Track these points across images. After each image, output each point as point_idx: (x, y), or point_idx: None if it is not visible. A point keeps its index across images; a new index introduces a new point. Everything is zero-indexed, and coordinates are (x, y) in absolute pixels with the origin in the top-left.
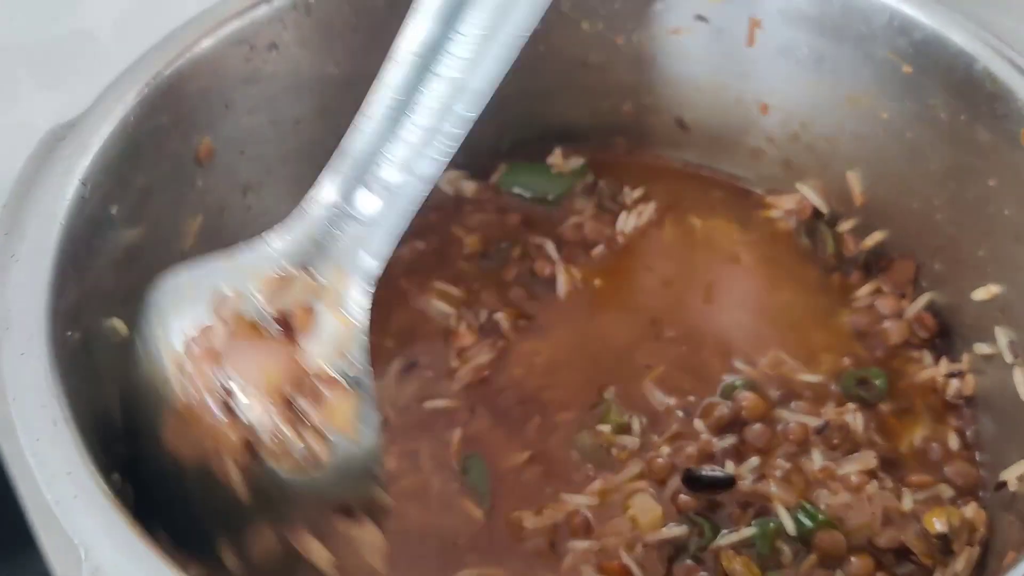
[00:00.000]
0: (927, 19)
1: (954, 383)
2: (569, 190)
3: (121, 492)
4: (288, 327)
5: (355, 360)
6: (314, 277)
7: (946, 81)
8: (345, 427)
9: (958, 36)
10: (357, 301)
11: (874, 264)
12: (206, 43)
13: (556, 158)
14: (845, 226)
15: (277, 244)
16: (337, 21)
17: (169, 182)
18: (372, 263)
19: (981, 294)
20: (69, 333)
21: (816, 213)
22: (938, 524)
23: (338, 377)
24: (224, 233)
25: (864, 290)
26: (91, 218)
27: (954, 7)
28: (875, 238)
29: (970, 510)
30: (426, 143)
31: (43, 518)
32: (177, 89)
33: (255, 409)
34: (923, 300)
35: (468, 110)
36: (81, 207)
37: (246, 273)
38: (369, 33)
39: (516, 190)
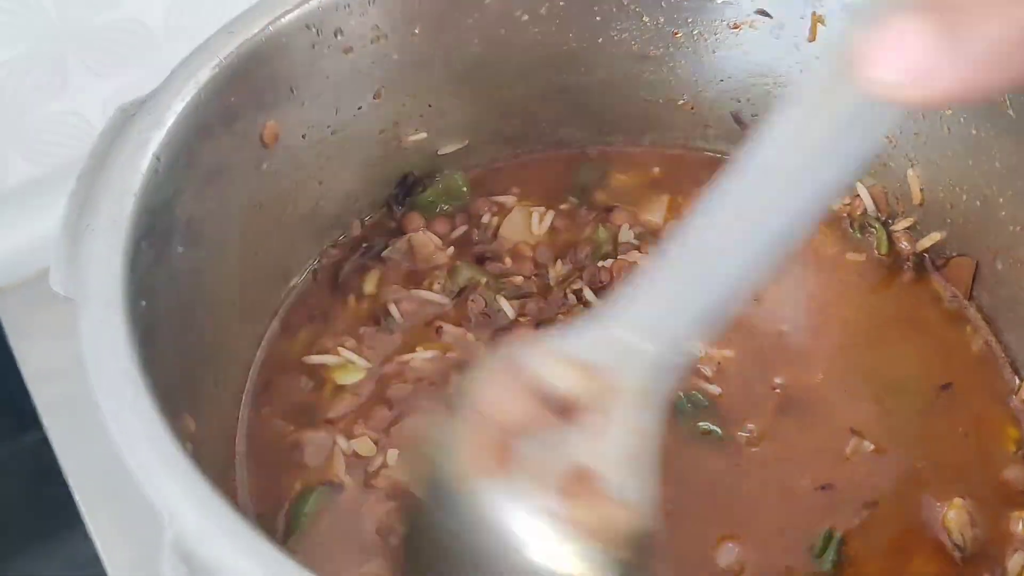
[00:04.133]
0: None
1: None
2: None
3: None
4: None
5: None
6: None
7: None
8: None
9: None
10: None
11: (930, 263)
12: (275, 26)
13: None
14: (902, 224)
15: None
16: (400, 9)
17: (236, 162)
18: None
19: None
20: (143, 303)
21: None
22: None
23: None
24: (284, 217)
25: None
26: (164, 193)
27: None
28: (933, 238)
29: None
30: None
31: (85, 480)
32: (245, 71)
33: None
34: None
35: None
36: (155, 181)
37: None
38: (432, 21)
39: None
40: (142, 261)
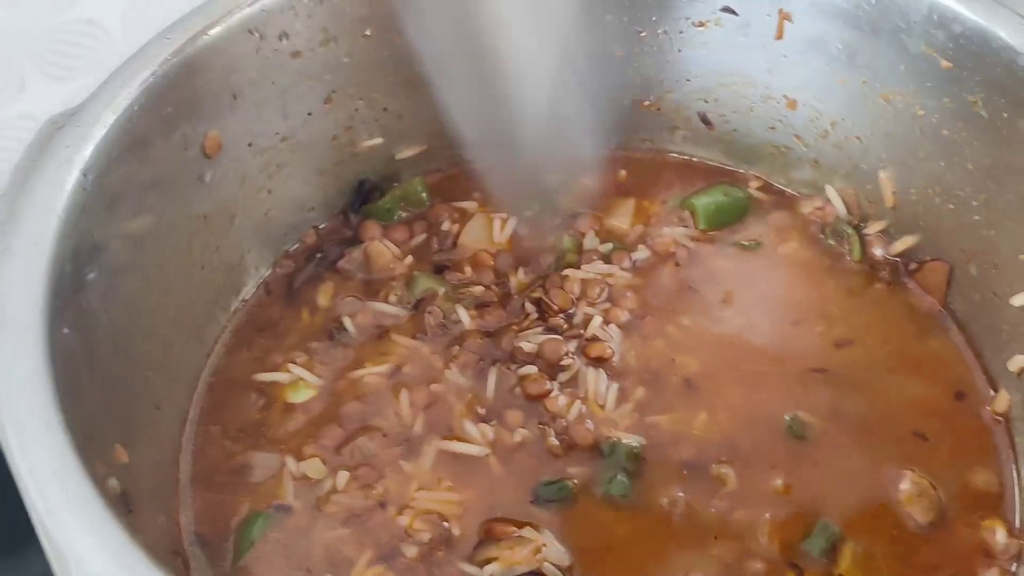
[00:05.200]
0: (968, 12)
1: None
2: None
3: (121, 499)
4: None
5: None
6: None
7: (987, 76)
8: None
9: (1002, 30)
10: None
11: (904, 269)
12: (215, 31)
13: None
14: (875, 228)
15: None
16: (349, 11)
17: (176, 175)
18: None
19: (1021, 299)
20: (66, 330)
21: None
22: None
23: None
24: (231, 230)
25: None
26: (93, 211)
27: None
28: (906, 242)
29: None
30: None
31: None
32: (183, 78)
33: None
34: None
35: None
36: (82, 198)
37: None
38: (384, 22)
39: None
40: (66, 285)
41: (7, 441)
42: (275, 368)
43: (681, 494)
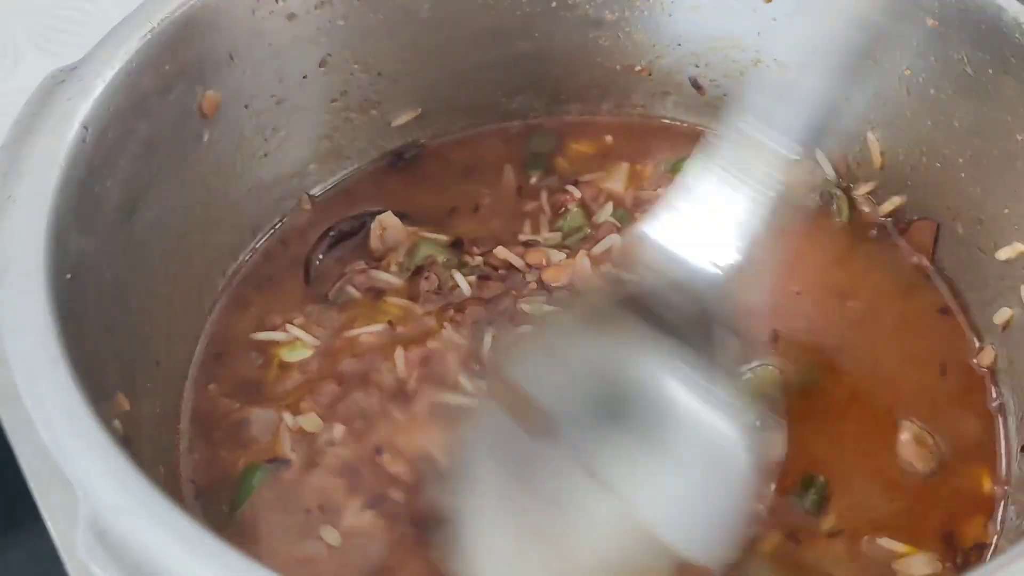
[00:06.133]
0: None
1: None
2: None
3: (124, 441)
4: None
5: None
6: None
7: (973, 33)
8: None
9: None
10: None
11: (893, 228)
12: None
13: None
14: (864, 189)
15: None
16: None
17: (173, 134)
18: None
19: (1006, 253)
20: (68, 276)
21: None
22: None
23: None
24: (230, 191)
25: None
26: (92, 164)
27: None
28: (894, 203)
29: None
30: None
31: (38, 464)
32: (181, 37)
33: None
34: None
35: None
36: (82, 151)
37: None
38: None
39: None
40: (69, 234)
41: (14, 373)
42: (273, 328)
43: None
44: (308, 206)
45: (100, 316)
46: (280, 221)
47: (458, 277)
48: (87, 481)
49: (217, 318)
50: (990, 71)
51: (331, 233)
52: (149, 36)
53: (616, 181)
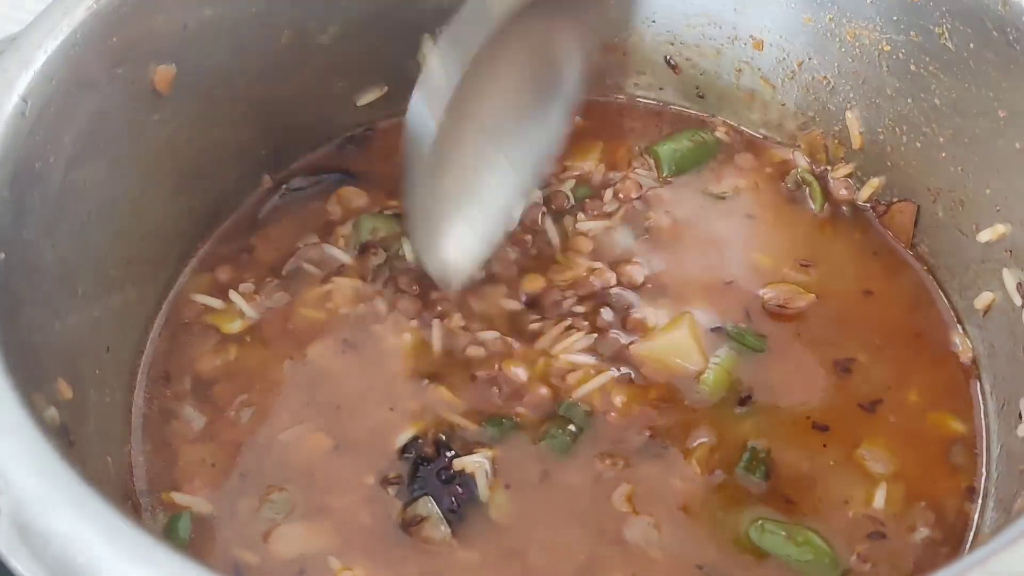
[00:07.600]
0: None
1: None
2: None
3: (62, 430)
4: None
5: None
6: None
7: (954, 6)
8: None
9: None
10: None
11: (872, 212)
12: None
13: None
14: (843, 172)
15: None
16: None
17: (123, 109)
18: None
19: (987, 235)
20: (2, 256)
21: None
22: None
23: None
24: (186, 168)
25: None
26: (34, 140)
27: None
28: (873, 184)
29: None
30: None
31: None
32: (129, 8)
33: None
34: None
35: None
36: (21, 125)
37: None
38: None
39: None
40: (2, 210)
41: None
42: (221, 298)
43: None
44: (269, 184)
45: (40, 299)
46: (239, 200)
47: (405, 244)
48: (8, 471)
49: (171, 306)
50: (971, 44)
51: (284, 187)
52: (95, 6)
53: (587, 161)
